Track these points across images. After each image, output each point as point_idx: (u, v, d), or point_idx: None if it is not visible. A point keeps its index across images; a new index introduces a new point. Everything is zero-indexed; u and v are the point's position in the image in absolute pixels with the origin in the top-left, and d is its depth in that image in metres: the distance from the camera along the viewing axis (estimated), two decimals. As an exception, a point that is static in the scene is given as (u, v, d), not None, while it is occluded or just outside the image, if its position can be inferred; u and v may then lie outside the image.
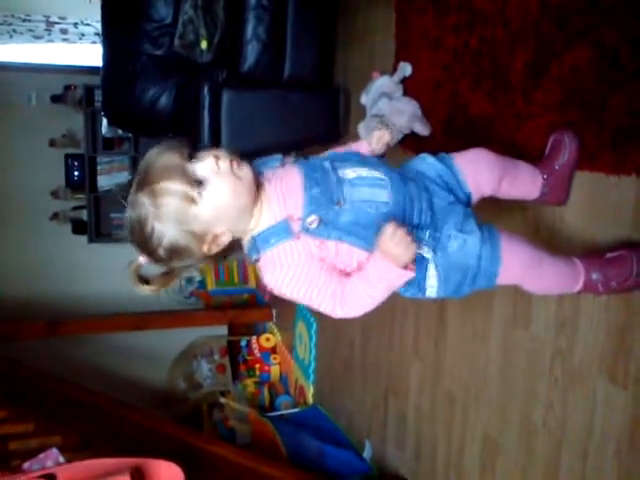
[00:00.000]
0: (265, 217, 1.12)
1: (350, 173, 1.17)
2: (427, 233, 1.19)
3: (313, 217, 1.09)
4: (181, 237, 1.04)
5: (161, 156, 1.04)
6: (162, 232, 1.03)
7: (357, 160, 1.23)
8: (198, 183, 1.03)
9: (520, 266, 1.26)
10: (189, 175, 1.03)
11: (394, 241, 1.03)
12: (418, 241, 1.15)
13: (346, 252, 1.12)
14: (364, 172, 1.18)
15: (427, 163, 1.33)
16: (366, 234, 1.11)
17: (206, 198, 1.04)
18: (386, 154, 1.33)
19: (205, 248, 1.08)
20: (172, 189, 1.01)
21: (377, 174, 1.18)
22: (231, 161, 1.06)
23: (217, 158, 1.06)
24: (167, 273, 1.11)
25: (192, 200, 1.03)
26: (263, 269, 1.12)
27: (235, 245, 1.15)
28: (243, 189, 1.07)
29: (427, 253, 1.19)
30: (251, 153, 1.14)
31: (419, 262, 1.17)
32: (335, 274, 1.12)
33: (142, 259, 1.08)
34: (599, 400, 1.47)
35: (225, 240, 1.10)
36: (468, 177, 1.31)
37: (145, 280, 1.09)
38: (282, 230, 1.09)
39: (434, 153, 1.35)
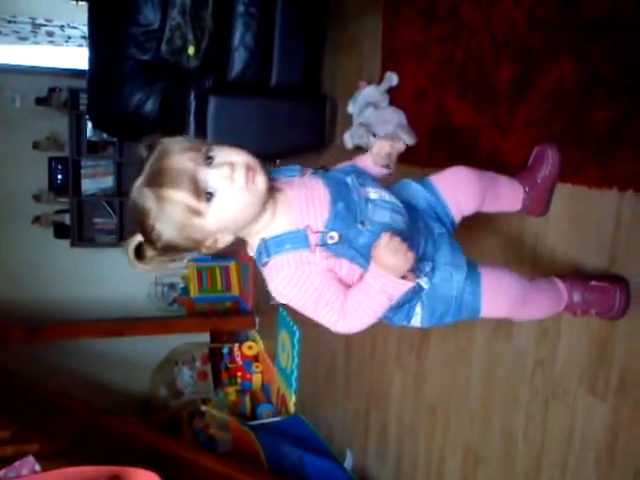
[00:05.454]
0: (281, 221, 1.08)
1: (372, 193, 1.15)
2: (429, 265, 1.20)
3: (334, 233, 1.07)
4: (180, 240, 1.02)
5: (178, 155, 1.00)
6: (161, 231, 1.01)
7: (372, 180, 1.21)
8: (207, 194, 0.99)
9: (504, 303, 1.28)
10: (199, 185, 0.98)
11: (391, 251, 1.01)
12: (419, 271, 1.16)
13: (350, 270, 1.10)
14: (387, 196, 1.17)
15: (413, 189, 1.33)
16: None
17: (212, 211, 0.99)
18: (391, 166, 1.29)
19: (204, 249, 1.06)
20: (178, 199, 0.97)
21: (396, 201, 1.18)
22: (247, 170, 1.00)
23: (232, 168, 1.00)
24: (163, 254, 1.08)
25: (197, 213, 0.99)
26: (271, 273, 1.07)
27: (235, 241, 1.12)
28: (253, 205, 1.03)
29: (425, 284, 1.19)
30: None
31: (416, 292, 1.18)
32: (342, 287, 1.09)
33: (141, 238, 1.05)
34: (579, 411, 1.48)
35: (226, 242, 1.07)
36: (450, 202, 1.32)
37: (142, 256, 1.07)
38: (300, 238, 1.06)
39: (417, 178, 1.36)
